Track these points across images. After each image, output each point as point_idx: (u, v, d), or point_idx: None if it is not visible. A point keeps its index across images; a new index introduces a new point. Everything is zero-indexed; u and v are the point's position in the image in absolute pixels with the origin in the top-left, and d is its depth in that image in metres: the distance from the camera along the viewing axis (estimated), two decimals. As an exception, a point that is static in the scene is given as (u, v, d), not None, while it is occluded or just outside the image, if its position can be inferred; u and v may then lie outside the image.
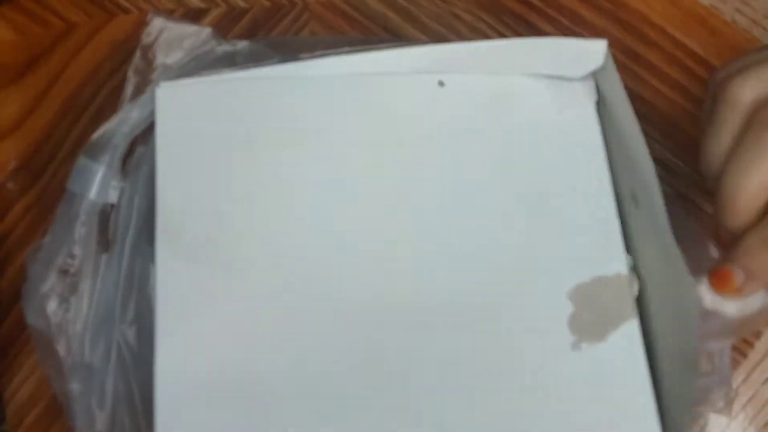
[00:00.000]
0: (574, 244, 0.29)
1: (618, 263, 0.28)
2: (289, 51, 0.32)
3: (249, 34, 0.36)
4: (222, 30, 0.36)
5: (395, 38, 0.35)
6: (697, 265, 0.29)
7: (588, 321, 0.28)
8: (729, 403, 0.29)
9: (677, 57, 0.36)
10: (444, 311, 0.28)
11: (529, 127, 0.31)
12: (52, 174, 0.34)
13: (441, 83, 0.31)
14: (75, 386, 0.28)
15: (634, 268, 0.29)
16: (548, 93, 0.31)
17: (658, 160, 0.34)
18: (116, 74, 0.35)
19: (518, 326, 0.28)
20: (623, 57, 0.36)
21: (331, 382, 0.27)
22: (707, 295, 0.28)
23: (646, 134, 0.35)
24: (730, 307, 0.29)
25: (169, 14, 0.37)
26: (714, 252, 0.30)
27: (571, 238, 0.29)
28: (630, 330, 0.28)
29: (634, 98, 0.36)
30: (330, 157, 0.30)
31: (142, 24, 0.33)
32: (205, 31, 0.32)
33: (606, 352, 0.27)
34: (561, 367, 0.27)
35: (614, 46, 0.36)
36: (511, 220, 0.29)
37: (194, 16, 0.37)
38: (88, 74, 0.36)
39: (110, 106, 0.35)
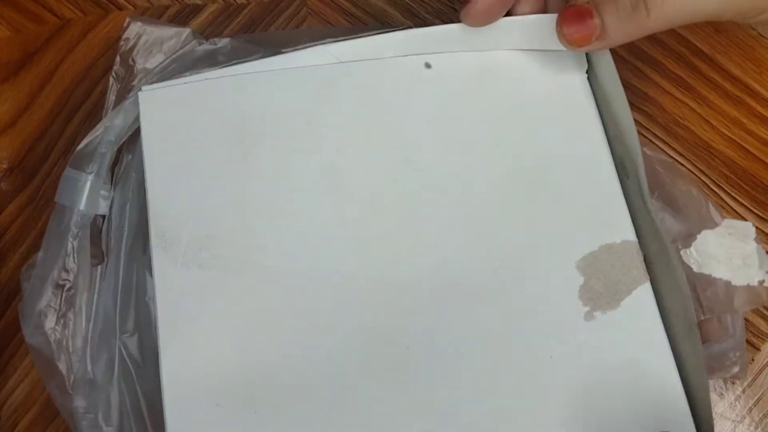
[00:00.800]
0: (578, 215, 0.29)
1: (624, 230, 0.28)
2: (273, 45, 0.32)
3: (246, 31, 0.36)
4: (218, 27, 0.36)
5: (384, 27, 0.34)
6: (701, 224, 0.29)
7: (599, 290, 0.27)
8: (744, 367, 0.29)
9: (683, 54, 0.35)
10: (451, 292, 0.28)
11: (521, 101, 0.30)
12: (45, 173, 0.34)
13: (428, 65, 0.31)
14: (80, 403, 0.28)
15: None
16: (537, 66, 0.31)
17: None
18: (111, 71, 0.35)
19: (528, 301, 0.28)
20: (628, 54, 0.35)
21: (340, 375, 0.27)
22: (694, 260, 0.29)
23: (651, 134, 0.35)
24: (719, 271, 0.29)
25: (164, 10, 0.36)
26: (717, 217, 0.30)
27: (575, 208, 0.29)
28: (643, 293, 0.28)
29: (640, 96, 0.35)
30: (321, 148, 0.29)
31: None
32: (185, 32, 0.32)
33: (621, 318, 0.27)
34: (577, 337, 0.27)
35: (619, 43, 0.35)
36: (512, 194, 0.29)
37: (190, 12, 0.36)
38: (83, 71, 0.35)
39: (104, 104, 0.34)
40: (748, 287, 0.28)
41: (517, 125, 0.30)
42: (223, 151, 0.29)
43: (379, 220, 0.28)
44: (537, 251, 0.28)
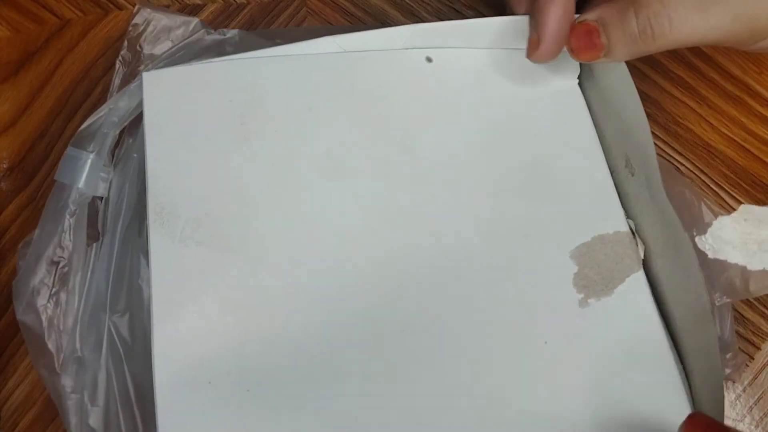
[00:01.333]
0: (572, 208, 0.29)
1: (616, 222, 0.29)
2: (280, 39, 0.32)
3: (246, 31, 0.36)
4: (218, 26, 0.36)
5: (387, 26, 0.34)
6: (693, 224, 0.30)
7: (593, 278, 0.28)
8: (737, 368, 0.29)
9: (683, 54, 0.36)
10: (447, 277, 0.28)
11: (517, 99, 0.31)
12: (45, 173, 0.34)
13: (429, 59, 0.31)
14: (67, 382, 0.28)
15: (638, 233, 0.29)
16: (534, 66, 0.31)
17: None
18: (110, 71, 0.35)
19: (523, 288, 0.28)
20: (627, 53, 0.35)
21: (334, 357, 0.26)
22: (709, 246, 0.29)
23: (651, 134, 0.34)
24: (734, 256, 0.29)
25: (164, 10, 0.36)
26: (709, 217, 0.30)
27: (568, 202, 0.29)
28: (636, 281, 0.28)
29: (640, 96, 0.35)
30: (321, 135, 0.30)
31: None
32: (193, 22, 0.32)
33: (615, 304, 0.28)
34: (571, 323, 0.27)
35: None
36: (508, 186, 0.30)
37: (190, 11, 0.36)
38: (83, 71, 0.35)
39: (109, 87, 0.34)
40: (764, 271, 0.29)
41: (513, 121, 0.31)
42: (224, 132, 0.29)
43: (377, 206, 0.29)
44: (532, 241, 0.29)
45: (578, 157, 0.30)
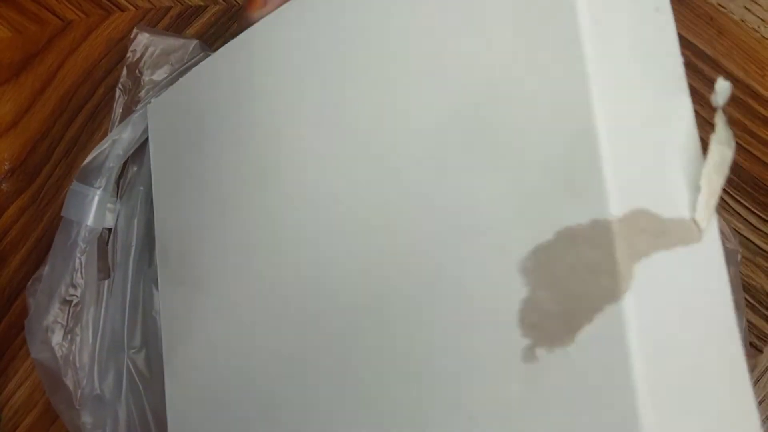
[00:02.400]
0: (533, 178, 0.16)
1: (597, 200, 0.15)
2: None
3: (248, 32, 0.36)
4: (220, 28, 0.36)
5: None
6: None
7: (549, 309, 0.16)
8: (750, 370, 0.29)
9: (685, 57, 0.35)
10: (339, 314, 0.20)
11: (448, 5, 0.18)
12: (47, 175, 0.34)
13: None
14: (87, 419, 0.28)
15: None
16: None
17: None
18: (113, 73, 0.35)
19: (439, 328, 0.18)
20: (630, 56, 0.35)
21: (328, 384, 0.24)
22: None
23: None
24: None
25: (166, 12, 0.36)
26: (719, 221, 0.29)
27: (526, 167, 0.17)
28: (618, 320, 0.15)
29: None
30: (252, 142, 0.25)
31: (139, 22, 0.32)
32: (192, 44, 0.31)
33: (578, 361, 0.15)
34: (509, 390, 0.16)
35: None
36: (438, 148, 0.18)
37: (192, 13, 0.36)
38: (84, 72, 0.35)
39: (107, 105, 0.34)
40: None
41: (460, 38, 0.18)
42: (196, 152, 0.27)
43: (365, 216, 0.21)
44: (460, 241, 0.17)
45: (557, 88, 0.16)
